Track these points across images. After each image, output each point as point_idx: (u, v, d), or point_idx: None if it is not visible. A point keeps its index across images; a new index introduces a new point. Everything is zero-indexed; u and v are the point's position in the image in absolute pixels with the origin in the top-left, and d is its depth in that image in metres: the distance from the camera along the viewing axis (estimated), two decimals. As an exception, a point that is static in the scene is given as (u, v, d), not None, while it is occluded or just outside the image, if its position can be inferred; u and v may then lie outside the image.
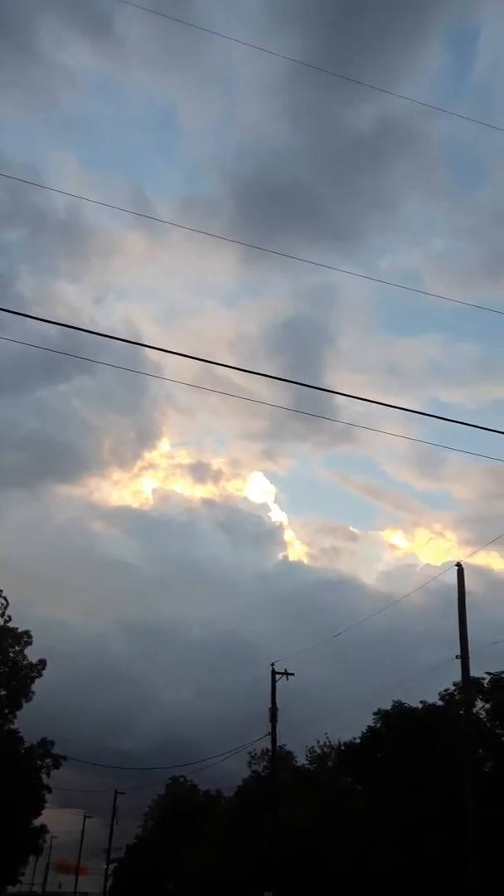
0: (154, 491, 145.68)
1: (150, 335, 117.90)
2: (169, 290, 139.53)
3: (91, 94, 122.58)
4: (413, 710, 36.44)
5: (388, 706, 37.30)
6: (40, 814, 52.16)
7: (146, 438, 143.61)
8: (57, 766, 51.18)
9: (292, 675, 40.49)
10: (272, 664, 40.98)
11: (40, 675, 49.70)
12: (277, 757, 42.57)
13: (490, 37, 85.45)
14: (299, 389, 17.07)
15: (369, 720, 38.51)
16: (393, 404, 16.67)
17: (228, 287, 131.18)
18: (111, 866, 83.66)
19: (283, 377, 15.38)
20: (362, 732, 40.02)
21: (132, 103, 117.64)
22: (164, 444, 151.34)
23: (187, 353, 15.77)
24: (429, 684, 34.34)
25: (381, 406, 16.56)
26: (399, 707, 37.30)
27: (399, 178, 78.86)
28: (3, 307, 11.92)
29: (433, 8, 74.55)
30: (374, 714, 38.24)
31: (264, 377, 16.43)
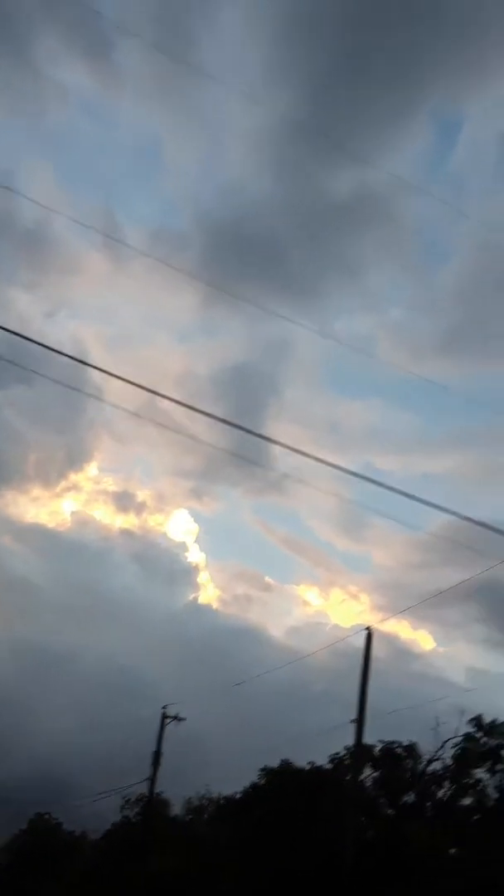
0: (73, 513, 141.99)
1: (97, 357, 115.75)
2: (124, 316, 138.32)
3: (79, 114, 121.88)
4: (300, 770, 35.98)
5: (276, 763, 36.77)
6: None
7: (75, 459, 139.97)
8: None
9: (183, 720, 39.49)
10: (164, 707, 39.95)
11: None
12: (153, 804, 41.28)
13: (472, 130, 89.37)
14: (238, 435, 16.61)
15: (256, 776, 37.84)
16: (327, 461, 16.46)
17: (184, 324, 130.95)
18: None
19: (225, 419, 15.04)
20: (244, 788, 39.29)
21: (119, 130, 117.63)
22: (92, 468, 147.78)
23: (132, 380, 15.28)
24: (321, 745, 33.99)
25: (316, 462, 16.36)
26: (286, 766, 36.81)
27: (367, 246, 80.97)
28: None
29: (425, 92, 77.48)
30: (261, 770, 37.60)
31: (205, 417, 16.03)
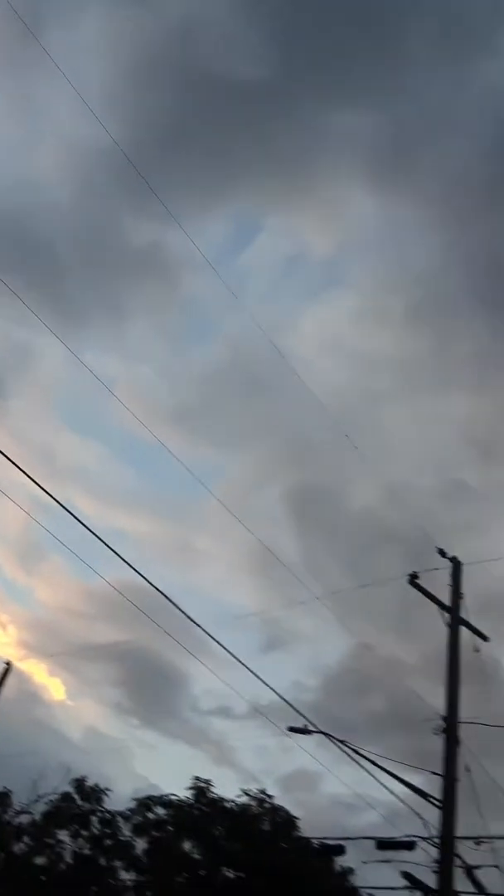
0: None
1: None
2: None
3: None
4: None
5: None
6: None
7: None
8: None
9: None
10: None
11: None
12: None
13: (265, 241, 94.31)
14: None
15: None
16: (31, 476, 15.84)
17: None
18: None
19: None
20: None
21: None
22: None
23: None
24: None
25: (17, 476, 15.75)
26: None
27: (140, 298, 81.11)
28: None
29: (239, 189, 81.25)
30: None
31: None
